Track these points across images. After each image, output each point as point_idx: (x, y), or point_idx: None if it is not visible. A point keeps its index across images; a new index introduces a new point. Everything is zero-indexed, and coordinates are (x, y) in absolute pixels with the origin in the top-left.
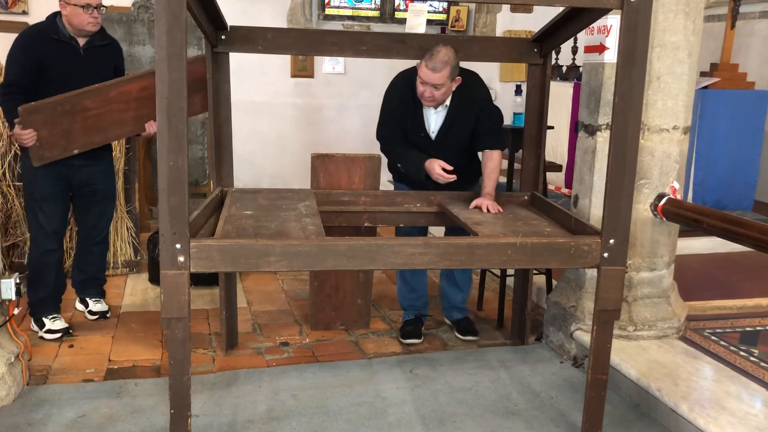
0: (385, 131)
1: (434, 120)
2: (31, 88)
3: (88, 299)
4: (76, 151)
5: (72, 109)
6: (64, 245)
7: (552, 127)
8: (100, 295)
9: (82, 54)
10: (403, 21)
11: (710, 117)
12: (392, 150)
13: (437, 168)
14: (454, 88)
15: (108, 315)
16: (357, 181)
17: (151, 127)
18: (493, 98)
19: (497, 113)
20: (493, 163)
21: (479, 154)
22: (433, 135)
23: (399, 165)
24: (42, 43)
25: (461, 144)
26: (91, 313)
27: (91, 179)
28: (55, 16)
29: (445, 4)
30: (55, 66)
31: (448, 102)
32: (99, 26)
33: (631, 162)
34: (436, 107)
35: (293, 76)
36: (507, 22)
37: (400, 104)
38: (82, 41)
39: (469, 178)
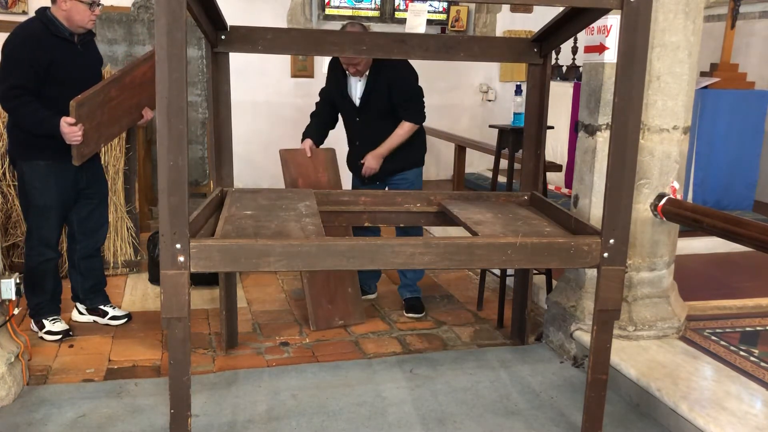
0: (319, 96)
1: (357, 88)
2: (37, 89)
3: (102, 307)
4: (103, 145)
5: (103, 99)
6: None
7: (552, 127)
8: (108, 299)
9: (79, 50)
10: (403, 21)
11: (710, 117)
12: (312, 113)
13: (305, 144)
14: (371, 59)
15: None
16: (321, 171)
17: (147, 114)
18: (416, 76)
19: (412, 86)
20: (399, 129)
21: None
22: (357, 101)
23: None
24: (49, 42)
25: (380, 110)
26: (115, 318)
27: (93, 180)
28: (45, 12)
29: (445, 4)
30: (62, 65)
31: (368, 73)
32: (95, 23)
33: (631, 162)
34: (360, 77)
35: (293, 76)
36: (507, 22)
37: (333, 77)
38: (76, 37)
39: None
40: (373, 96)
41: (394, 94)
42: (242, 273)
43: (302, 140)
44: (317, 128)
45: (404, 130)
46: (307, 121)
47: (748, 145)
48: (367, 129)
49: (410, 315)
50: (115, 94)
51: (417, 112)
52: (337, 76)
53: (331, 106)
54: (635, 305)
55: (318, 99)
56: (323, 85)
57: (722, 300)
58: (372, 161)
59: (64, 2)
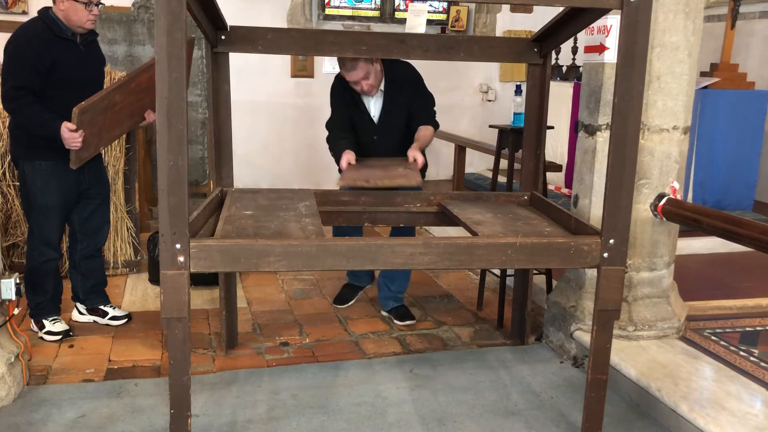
0: (336, 123)
1: (374, 105)
2: (40, 89)
3: (102, 307)
4: (102, 148)
5: (107, 105)
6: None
7: (552, 127)
8: (108, 299)
9: (82, 50)
10: (403, 21)
11: (710, 117)
12: (332, 138)
13: (344, 160)
14: (380, 68)
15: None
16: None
17: (150, 116)
18: (424, 81)
19: (428, 94)
20: (425, 131)
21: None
22: (375, 118)
23: (330, 152)
24: (51, 42)
25: (400, 124)
26: (115, 318)
27: (95, 180)
28: (48, 12)
29: (445, 4)
30: (65, 65)
31: (382, 87)
32: (95, 24)
33: (631, 162)
34: (374, 94)
35: (293, 76)
36: (507, 22)
37: (343, 100)
38: (78, 37)
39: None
40: (394, 107)
41: (414, 98)
42: (242, 273)
43: (341, 157)
44: (351, 145)
45: (430, 131)
46: (307, 121)
47: (748, 145)
48: (385, 146)
49: (406, 323)
50: (119, 99)
51: (434, 116)
52: (351, 98)
53: (351, 128)
54: (635, 305)
55: (330, 131)
56: (324, 85)
57: (722, 300)
58: (419, 156)
59: (61, 2)
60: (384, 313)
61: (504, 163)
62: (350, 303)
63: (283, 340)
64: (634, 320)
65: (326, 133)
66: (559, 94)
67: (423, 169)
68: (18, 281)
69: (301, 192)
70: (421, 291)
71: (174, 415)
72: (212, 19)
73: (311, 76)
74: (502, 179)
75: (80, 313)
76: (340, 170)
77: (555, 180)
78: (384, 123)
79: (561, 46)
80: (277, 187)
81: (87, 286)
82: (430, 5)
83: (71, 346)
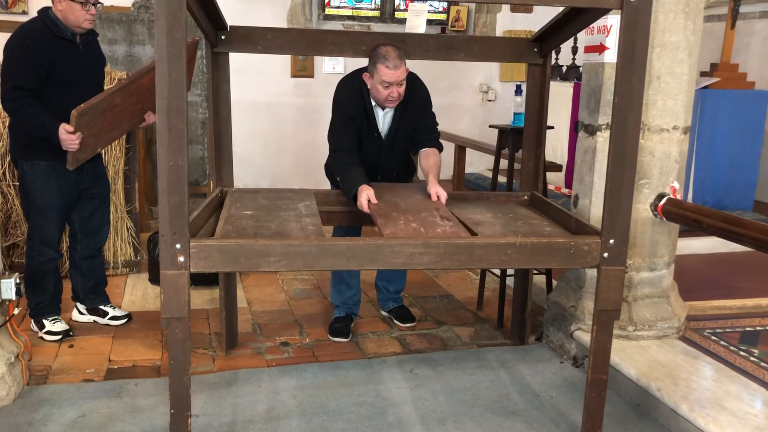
0: (344, 140)
1: (383, 121)
2: (39, 90)
3: (102, 307)
4: (99, 150)
5: (106, 108)
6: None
7: (552, 127)
8: (108, 299)
9: (82, 50)
10: (403, 21)
11: (710, 117)
12: (339, 160)
13: (364, 198)
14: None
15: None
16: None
17: (149, 118)
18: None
19: (434, 114)
20: (435, 157)
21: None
22: (383, 135)
23: (338, 179)
24: (51, 43)
25: (406, 144)
26: (115, 318)
27: (95, 180)
28: (47, 12)
29: (445, 4)
30: (64, 66)
31: None
32: (94, 23)
33: (631, 162)
34: (394, 106)
35: (293, 76)
36: (507, 22)
37: (354, 108)
38: (78, 37)
39: (406, 180)
40: (403, 126)
41: (423, 118)
42: (242, 273)
43: (358, 193)
44: (365, 176)
45: (438, 157)
46: (307, 121)
47: (748, 145)
48: (390, 163)
49: (407, 324)
50: (119, 101)
51: (439, 138)
52: (363, 109)
53: (357, 146)
54: (635, 305)
55: (336, 152)
56: (324, 85)
57: (722, 300)
58: (442, 193)
59: (59, 2)
60: (384, 313)
61: (504, 163)
62: (349, 337)
63: (283, 340)
64: (634, 320)
65: (325, 134)
66: (559, 94)
67: (413, 173)
68: (18, 281)
69: (301, 192)
70: (421, 291)
71: (174, 415)
72: (212, 19)
73: (311, 76)
74: (502, 179)
75: (80, 313)
76: (353, 199)
77: (555, 180)
78: (392, 142)
79: (561, 46)
80: (277, 187)
81: (87, 286)
82: (430, 5)
83: (71, 346)
